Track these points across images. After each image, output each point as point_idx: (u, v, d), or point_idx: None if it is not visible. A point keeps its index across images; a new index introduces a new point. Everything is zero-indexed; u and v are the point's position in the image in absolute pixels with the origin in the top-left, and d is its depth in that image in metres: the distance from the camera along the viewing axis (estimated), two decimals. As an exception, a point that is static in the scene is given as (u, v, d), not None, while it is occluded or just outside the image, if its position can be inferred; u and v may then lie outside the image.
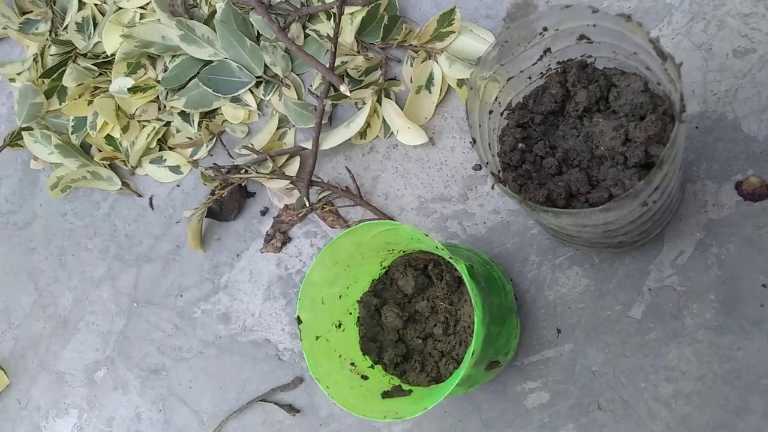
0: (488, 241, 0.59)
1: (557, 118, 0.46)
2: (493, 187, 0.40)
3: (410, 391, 0.48)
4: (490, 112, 0.45)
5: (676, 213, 0.53)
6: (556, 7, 0.39)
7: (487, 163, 0.42)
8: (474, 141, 0.39)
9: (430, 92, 0.63)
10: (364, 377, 0.49)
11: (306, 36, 0.70)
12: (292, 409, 0.66)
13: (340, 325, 0.50)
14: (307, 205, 0.65)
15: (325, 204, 0.67)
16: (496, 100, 0.45)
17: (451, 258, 0.44)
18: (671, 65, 0.36)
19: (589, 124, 0.45)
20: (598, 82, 0.44)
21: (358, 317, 0.51)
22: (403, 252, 0.52)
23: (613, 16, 0.38)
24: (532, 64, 0.45)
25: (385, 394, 0.47)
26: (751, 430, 0.49)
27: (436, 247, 0.45)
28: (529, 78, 0.46)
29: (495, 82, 0.43)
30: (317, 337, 0.47)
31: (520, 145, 0.45)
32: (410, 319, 0.52)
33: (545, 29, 0.41)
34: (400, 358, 0.51)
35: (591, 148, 0.44)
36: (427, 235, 0.44)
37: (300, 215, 0.68)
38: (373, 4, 0.64)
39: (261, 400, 0.68)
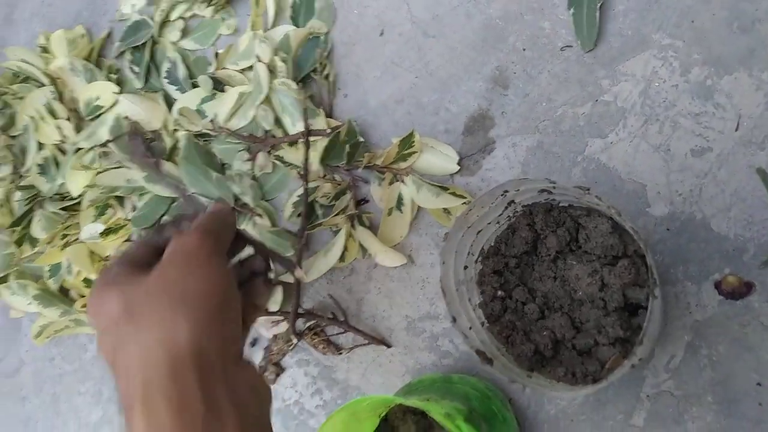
0: (481, 357, 0.59)
1: (531, 258, 0.47)
2: (483, 365, 0.40)
3: None
4: (465, 267, 0.45)
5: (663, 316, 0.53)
6: (515, 180, 0.39)
7: (471, 328, 0.42)
8: (454, 319, 0.39)
9: (401, 212, 0.63)
10: None
11: (274, 165, 0.70)
12: None
13: (347, 485, 0.50)
14: (294, 339, 0.65)
15: (314, 333, 0.66)
16: (468, 253, 0.45)
17: (445, 418, 0.44)
18: (639, 239, 0.36)
19: (563, 266, 0.45)
20: (565, 224, 0.45)
21: (365, 472, 0.51)
22: (399, 403, 0.52)
23: (572, 187, 0.38)
24: (498, 215, 0.45)
25: None
26: None
27: (424, 407, 0.44)
28: (498, 223, 0.47)
29: (465, 240, 0.44)
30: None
31: (499, 293, 0.45)
32: (416, 465, 0.52)
33: (506, 192, 0.42)
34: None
35: (569, 292, 0.44)
36: (421, 399, 0.44)
37: (291, 346, 0.67)
38: (334, 132, 0.64)
39: None
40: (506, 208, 0.45)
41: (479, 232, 0.45)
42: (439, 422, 0.42)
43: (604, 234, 0.43)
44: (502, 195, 0.42)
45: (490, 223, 0.45)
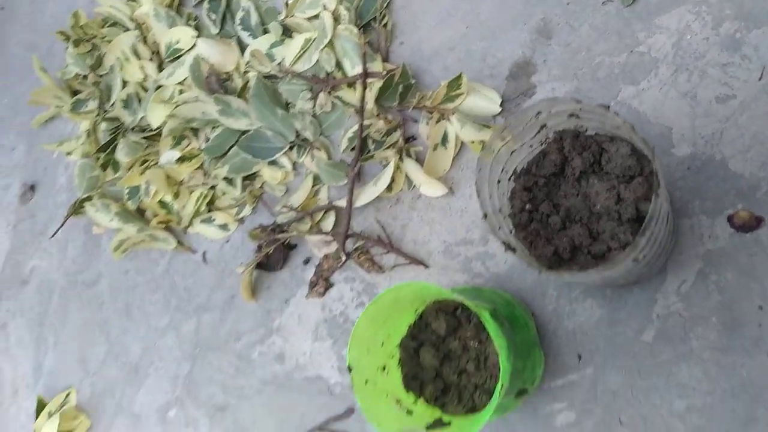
0: (510, 278, 0.66)
1: (558, 179, 0.53)
2: (505, 251, 0.47)
3: (450, 423, 0.55)
4: (498, 181, 0.52)
5: (675, 244, 0.59)
6: (546, 100, 0.46)
7: (500, 227, 0.49)
8: (485, 215, 0.46)
9: (446, 148, 0.70)
10: (409, 412, 0.57)
11: (333, 104, 0.77)
12: (346, 438, 0.73)
13: (384, 368, 0.58)
14: (343, 257, 0.73)
15: (361, 253, 0.74)
16: (503, 169, 0.52)
17: (476, 308, 0.51)
18: (648, 149, 0.42)
19: (586, 185, 0.51)
20: (590, 148, 0.51)
21: (400, 360, 0.59)
22: (434, 300, 0.59)
23: (595, 106, 0.44)
24: (532, 137, 0.52)
25: (429, 426, 0.55)
26: (758, 438, 0.55)
27: (461, 300, 0.52)
28: (531, 147, 0.53)
29: (500, 157, 0.50)
30: (366, 381, 0.55)
31: (527, 206, 0.52)
32: (445, 358, 0.59)
33: (539, 113, 0.48)
34: (439, 392, 0.58)
35: (589, 206, 0.51)
36: (453, 290, 0.51)
37: (339, 264, 0.75)
38: (389, 75, 0.72)
39: (318, 430, 0.75)
40: (538, 132, 0.51)
41: (513, 152, 0.51)
42: (471, 308, 0.49)
43: (624, 156, 0.49)
44: (535, 116, 0.48)
45: (523, 145, 0.52)
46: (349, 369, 0.54)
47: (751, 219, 0.57)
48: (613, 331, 0.61)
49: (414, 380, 0.58)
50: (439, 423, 0.55)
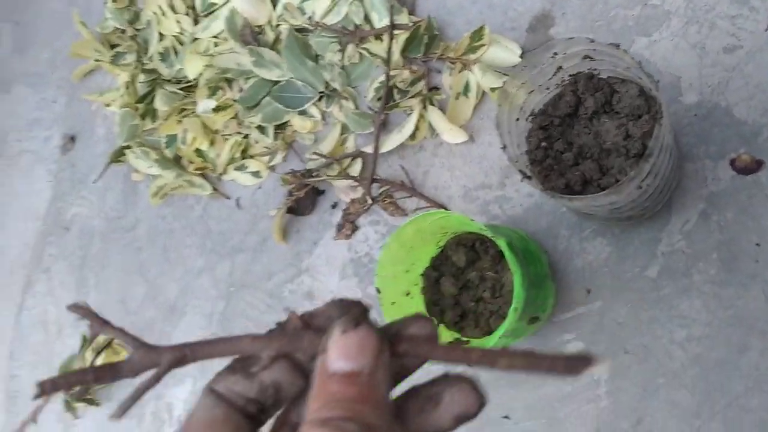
0: (525, 220, 0.71)
1: (572, 119, 0.58)
2: (522, 180, 0.51)
3: (468, 342, 0.61)
4: (517, 119, 0.56)
5: (680, 187, 0.63)
6: (562, 39, 0.50)
7: (517, 161, 0.53)
8: (504, 146, 0.51)
9: (467, 97, 0.75)
10: (430, 336, 0.62)
11: (360, 55, 0.82)
12: (369, 368, 0.79)
13: (408, 293, 0.63)
14: (369, 201, 0.78)
15: (385, 197, 0.79)
16: (521, 109, 0.56)
17: (493, 236, 0.56)
18: (652, 83, 0.47)
19: (597, 123, 0.56)
20: (603, 90, 0.55)
21: (422, 287, 0.64)
22: (455, 233, 0.64)
23: (606, 44, 0.49)
24: (548, 79, 0.56)
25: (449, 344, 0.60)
26: (751, 365, 0.60)
27: (481, 229, 0.57)
28: (547, 89, 0.57)
29: (519, 97, 0.55)
30: (393, 303, 0.60)
31: (542, 143, 0.56)
32: (464, 287, 0.64)
33: (555, 54, 0.52)
34: (458, 317, 0.63)
35: (600, 143, 0.55)
36: (473, 220, 0.56)
37: (365, 207, 0.80)
38: (415, 26, 0.76)
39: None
40: (555, 74, 0.55)
41: (531, 92, 0.56)
42: (489, 237, 0.54)
43: (633, 96, 0.53)
44: (551, 56, 0.53)
45: (540, 86, 0.56)
46: (377, 290, 0.59)
47: (752, 162, 0.61)
48: (620, 268, 0.66)
49: (435, 306, 0.64)
50: (457, 342, 0.61)
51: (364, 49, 0.81)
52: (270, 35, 0.88)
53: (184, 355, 0.23)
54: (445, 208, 0.76)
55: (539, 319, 0.63)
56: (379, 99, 0.79)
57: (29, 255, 1.19)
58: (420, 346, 0.22)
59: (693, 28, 0.65)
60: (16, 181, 1.22)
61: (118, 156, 1.01)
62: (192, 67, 0.91)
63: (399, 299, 0.61)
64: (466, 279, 0.64)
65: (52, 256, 1.15)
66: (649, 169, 0.46)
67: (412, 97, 0.77)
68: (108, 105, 1.04)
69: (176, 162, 0.95)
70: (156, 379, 0.22)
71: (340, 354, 0.20)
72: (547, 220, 0.70)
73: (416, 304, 0.62)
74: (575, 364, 0.20)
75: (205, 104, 0.89)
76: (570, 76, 0.56)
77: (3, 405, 1.18)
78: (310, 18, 0.85)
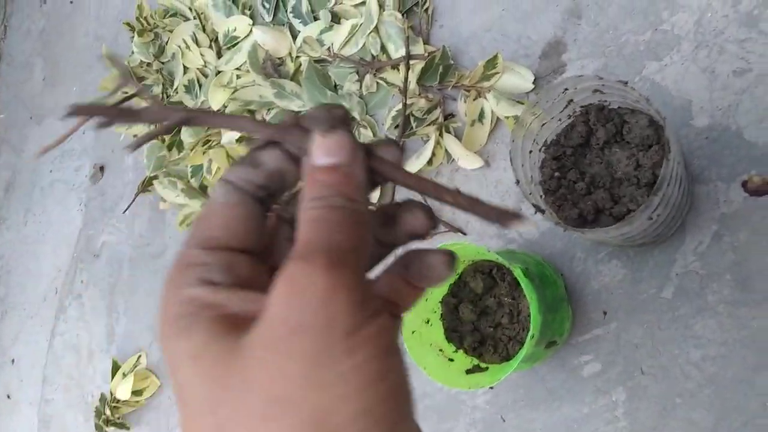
0: (541, 243, 0.73)
1: (584, 149, 0.59)
2: (535, 213, 0.53)
3: (487, 368, 0.62)
4: (530, 151, 0.58)
5: (693, 209, 0.64)
6: (572, 77, 0.52)
7: (530, 193, 0.55)
8: (518, 181, 0.53)
9: (482, 124, 0.77)
10: (451, 360, 0.64)
11: (377, 85, 0.84)
12: (392, 389, 0.81)
13: (428, 321, 0.65)
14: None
15: (404, 222, 0.81)
16: (534, 141, 0.58)
17: (509, 265, 0.58)
18: (660, 119, 0.48)
19: (609, 153, 0.57)
20: (613, 120, 0.57)
21: (441, 314, 0.66)
22: (472, 261, 0.66)
23: (614, 81, 0.50)
24: (560, 112, 0.58)
25: (468, 372, 0.62)
26: (766, 384, 0.61)
27: (497, 258, 0.58)
28: (559, 120, 0.59)
29: (532, 129, 0.57)
30: (413, 332, 0.62)
31: (556, 173, 0.58)
32: (482, 313, 0.66)
33: (566, 89, 0.54)
34: (476, 343, 0.65)
35: (611, 173, 0.57)
36: (489, 250, 0.58)
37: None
38: (430, 56, 0.78)
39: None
40: (566, 106, 0.57)
41: (544, 124, 0.58)
42: (505, 266, 0.56)
43: (642, 127, 0.55)
44: (562, 92, 0.54)
45: (552, 119, 0.58)
46: (398, 319, 0.62)
47: (764, 184, 0.62)
48: (635, 289, 0.67)
49: (454, 333, 0.66)
50: (477, 369, 0.62)
51: (382, 78, 0.84)
52: (290, 66, 0.92)
53: (189, 117, 0.26)
54: (463, 232, 0.78)
55: (557, 343, 0.64)
56: (396, 126, 0.82)
57: (61, 281, 1.23)
58: (386, 165, 0.26)
59: (703, 52, 0.66)
60: (49, 210, 1.27)
61: (146, 186, 1.04)
62: (216, 98, 0.94)
63: (419, 328, 0.63)
64: (485, 305, 0.65)
65: (84, 283, 1.19)
66: (659, 201, 0.48)
67: (428, 124, 0.79)
68: (135, 136, 1.08)
69: (202, 191, 0.98)
70: (166, 129, 0.26)
71: (322, 152, 0.24)
72: (563, 242, 0.71)
73: (436, 332, 0.64)
74: (505, 216, 0.26)
75: (229, 135, 0.92)
76: (581, 107, 0.58)
77: (37, 429, 1.22)
78: (328, 49, 0.88)
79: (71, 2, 1.30)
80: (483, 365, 0.63)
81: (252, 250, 0.24)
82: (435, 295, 0.66)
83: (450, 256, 0.26)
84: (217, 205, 0.24)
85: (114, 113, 0.26)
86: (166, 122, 0.25)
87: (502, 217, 0.26)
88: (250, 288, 0.23)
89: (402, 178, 0.26)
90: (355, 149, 0.24)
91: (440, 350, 0.64)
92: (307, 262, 0.21)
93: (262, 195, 0.25)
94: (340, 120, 0.25)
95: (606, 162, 0.57)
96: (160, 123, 0.26)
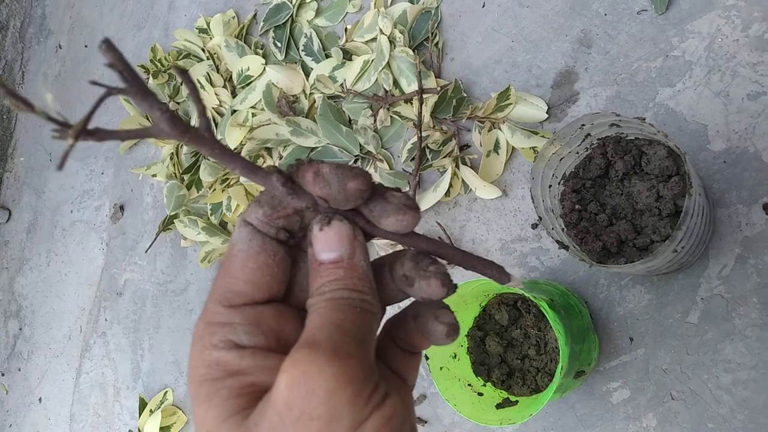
0: (563, 270, 0.73)
1: (603, 180, 0.60)
2: (559, 249, 0.54)
3: (517, 402, 0.62)
4: (550, 186, 0.59)
5: (715, 233, 0.64)
6: (588, 114, 0.53)
7: (552, 228, 0.56)
8: (540, 218, 0.54)
9: (498, 154, 0.77)
10: (480, 394, 0.64)
11: (391, 119, 0.86)
12: (420, 420, 0.81)
13: (455, 356, 0.65)
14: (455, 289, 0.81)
15: (425, 253, 0.82)
16: (553, 175, 0.59)
17: (534, 298, 0.58)
18: (680, 153, 0.49)
19: (629, 185, 0.58)
20: (631, 152, 0.57)
21: (468, 348, 0.66)
22: (496, 293, 0.66)
23: (632, 118, 0.51)
24: (578, 145, 0.58)
25: (498, 406, 0.62)
26: (802, 405, 0.61)
27: (522, 292, 0.59)
28: (577, 153, 0.60)
29: (551, 165, 0.57)
30: (441, 368, 0.63)
31: (576, 206, 0.59)
32: (509, 345, 0.66)
33: (583, 125, 0.55)
34: (504, 376, 0.65)
35: (632, 204, 0.57)
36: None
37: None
38: (443, 90, 0.79)
39: (394, 416, 0.84)
40: (584, 140, 0.58)
41: (562, 159, 0.58)
42: (531, 299, 0.56)
43: (661, 158, 0.55)
44: (579, 128, 0.55)
45: (570, 152, 0.58)
46: (426, 357, 0.62)
47: (786, 206, 0.62)
48: (661, 315, 0.67)
49: (482, 366, 0.66)
50: (507, 402, 0.62)
51: (395, 112, 0.85)
52: (305, 103, 0.93)
53: (213, 144, 0.24)
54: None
55: (585, 372, 0.64)
56: (412, 159, 0.83)
57: (86, 320, 1.24)
58: (382, 231, 0.25)
59: (715, 76, 0.67)
60: (71, 250, 1.29)
61: (167, 225, 1.06)
62: (232, 137, 0.96)
63: (446, 363, 0.64)
64: (511, 337, 0.66)
65: (108, 321, 1.21)
66: (683, 235, 0.48)
67: (444, 156, 0.80)
68: (154, 176, 1.10)
69: (222, 228, 1.00)
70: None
71: (323, 247, 0.24)
72: (585, 270, 0.72)
73: (463, 366, 0.65)
74: (497, 273, 0.26)
75: (246, 173, 0.93)
76: (598, 140, 0.58)
77: (68, 467, 1.23)
78: (341, 85, 0.89)
79: (86, 46, 1.33)
80: (513, 398, 0.63)
81: (277, 295, 0.25)
82: (461, 330, 0.66)
83: (451, 327, 0.26)
84: (239, 254, 0.24)
85: (123, 134, 0.23)
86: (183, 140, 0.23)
87: (492, 274, 0.26)
88: (278, 343, 0.24)
89: (401, 240, 0.26)
90: (354, 239, 0.24)
91: (469, 384, 0.65)
92: (313, 350, 0.21)
93: (284, 237, 0.25)
94: (335, 211, 0.24)
95: (626, 193, 0.57)
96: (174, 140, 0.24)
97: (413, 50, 0.83)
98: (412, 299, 0.27)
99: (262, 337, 0.24)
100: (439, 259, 0.26)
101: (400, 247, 0.85)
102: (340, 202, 0.24)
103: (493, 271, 0.26)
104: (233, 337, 0.23)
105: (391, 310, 0.27)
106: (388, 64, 0.85)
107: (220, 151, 0.24)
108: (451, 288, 0.26)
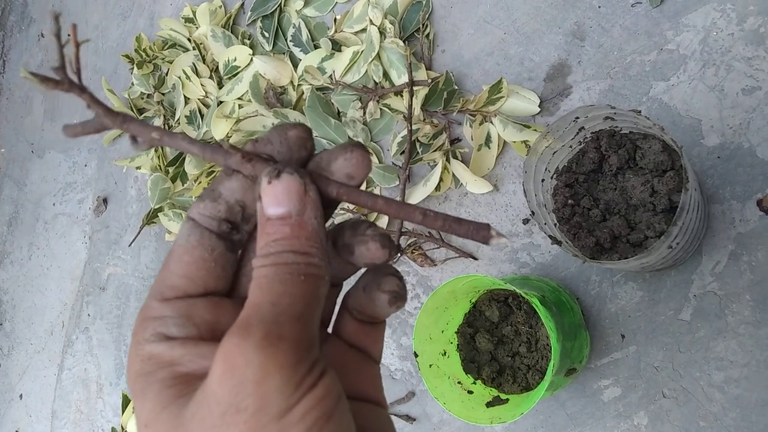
0: (554, 266, 0.72)
1: (597, 175, 0.59)
2: (552, 244, 0.53)
3: (507, 400, 0.61)
4: (542, 180, 0.57)
5: (709, 229, 0.64)
6: (582, 107, 0.51)
7: (545, 223, 0.55)
8: (533, 213, 0.52)
9: (489, 148, 0.76)
10: (470, 392, 0.63)
11: (381, 111, 0.84)
12: (409, 418, 0.80)
13: (445, 353, 0.64)
14: (399, 252, 0.80)
15: (414, 248, 0.81)
16: (546, 169, 0.58)
17: (526, 294, 0.57)
18: (677, 148, 0.48)
19: (622, 179, 0.57)
20: (625, 146, 0.56)
21: (458, 345, 0.65)
22: (487, 290, 0.65)
23: (627, 111, 0.50)
24: (571, 139, 0.57)
25: (489, 404, 0.61)
26: (794, 404, 0.60)
27: (514, 288, 0.58)
28: (570, 147, 0.58)
29: (543, 159, 0.56)
30: (430, 365, 0.61)
31: (569, 201, 0.58)
32: (499, 342, 0.65)
33: (577, 118, 0.54)
34: (495, 373, 0.64)
35: (626, 199, 0.56)
36: (504, 282, 0.57)
37: (394, 260, 0.82)
38: (434, 82, 0.78)
39: (382, 413, 0.82)
40: (577, 134, 0.57)
41: (555, 153, 0.57)
42: (522, 296, 0.55)
43: (656, 152, 0.54)
44: (573, 121, 0.54)
45: (563, 146, 0.57)
46: (416, 355, 0.61)
47: (780, 202, 0.61)
48: (653, 312, 0.66)
49: (472, 363, 0.65)
50: (497, 400, 0.61)
51: (385, 105, 0.83)
52: (292, 95, 0.91)
53: (160, 139, 0.23)
54: (474, 257, 0.77)
55: (576, 370, 0.63)
56: (402, 153, 0.81)
57: (68, 315, 1.22)
58: (344, 189, 0.24)
59: (710, 70, 0.66)
60: (53, 243, 1.26)
61: (151, 218, 1.04)
62: (218, 129, 0.94)
63: (436, 360, 0.62)
64: (501, 334, 0.65)
65: (90, 316, 1.18)
66: (678, 231, 0.47)
67: (434, 150, 0.79)
68: (138, 168, 1.08)
69: (207, 221, 0.98)
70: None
71: (271, 201, 0.23)
72: (577, 265, 0.71)
73: (453, 363, 0.63)
74: (481, 232, 0.24)
75: (232, 165, 0.92)
76: (592, 133, 0.57)
77: (50, 464, 1.21)
78: (330, 77, 0.87)
79: (69, 35, 1.30)
80: (503, 396, 0.62)
81: (214, 290, 0.24)
82: (451, 326, 0.65)
83: (395, 294, 0.25)
84: (178, 249, 0.24)
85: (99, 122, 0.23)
86: (141, 139, 0.23)
87: (476, 233, 0.24)
88: (212, 334, 0.23)
89: (364, 202, 0.24)
90: (304, 194, 0.23)
91: (458, 382, 0.63)
92: (242, 338, 0.20)
93: (227, 229, 0.24)
94: (286, 165, 0.23)
95: (620, 188, 0.56)
96: (138, 137, 0.23)
97: (404, 41, 0.82)
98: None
99: (194, 329, 0.23)
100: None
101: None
102: (285, 154, 0.23)
103: (476, 231, 0.24)
104: (163, 329, 0.23)
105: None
106: (378, 56, 0.83)
107: (189, 142, 0.23)
108: (393, 249, 0.25)
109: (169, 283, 0.24)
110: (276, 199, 0.23)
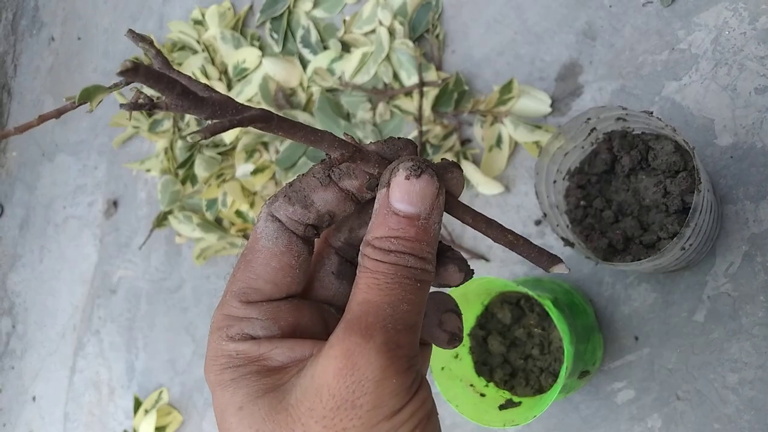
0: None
1: (609, 176, 0.58)
2: (564, 246, 0.52)
3: (520, 403, 0.61)
4: (554, 181, 0.57)
5: (722, 230, 0.63)
6: (594, 108, 0.51)
7: (558, 225, 0.54)
8: (545, 214, 0.52)
9: (500, 149, 0.76)
10: (482, 395, 0.63)
11: (391, 113, 0.84)
12: (420, 420, 0.80)
13: (457, 356, 0.64)
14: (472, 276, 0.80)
15: (425, 250, 0.80)
16: (557, 170, 0.57)
17: (538, 296, 0.57)
18: (689, 149, 0.47)
19: (635, 180, 0.56)
20: (638, 147, 0.56)
21: (470, 347, 0.65)
22: (499, 292, 0.65)
23: (639, 112, 0.49)
24: (583, 140, 0.57)
25: (501, 407, 0.61)
26: (810, 406, 0.59)
27: (526, 291, 0.57)
28: (582, 148, 0.58)
29: (555, 160, 0.56)
30: (442, 368, 0.61)
31: (581, 202, 0.57)
32: (512, 345, 0.65)
33: (589, 119, 0.53)
34: (507, 376, 0.64)
35: (639, 200, 0.56)
36: (517, 284, 0.57)
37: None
38: (444, 83, 0.77)
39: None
40: (589, 134, 0.56)
41: (566, 154, 0.57)
42: (534, 298, 0.55)
43: (668, 153, 0.54)
44: (585, 122, 0.54)
45: (575, 147, 0.57)
46: (427, 356, 0.61)
47: (795, 202, 0.60)
48: (666, 313, 0.66)
49: (484, 366, 0.64)
50: (510, 403, 0.61)
51: (395, 106, 0.83)
52: (302, 97, 0.91)
53: (266, 117, 0.22)
54: (486, 259, 0.77)
55: (589, 372, 0.63)
56: (412, 154, 0.81)
57: (79, 318, 1.23)
58: (454, 205, 0.25)
59: (722, 70, 0.65)
60: (63, 246, 1.27)
61: (161, 221, 1.04)
62: (229, 132, 0.94)
63: (448, 363, 0.62)
64: (514, 336, 0.64)
65: (101, 319, 1.19)
66: (691, 232, 0.47)
67: (445, 151, 0.78)
68: (148, 170, 1.08)
69: (218, 224, 0.98)
70: (238, 123, 0.23)
71: (403, 197, 0.23)
72: (590, 267, 0.70)
73: (465, 366, 0.63)
74: (547, 260, 0.25)
75: (243, 168, 0.92)
76: (604, 134, 0.57)
77: (62, 466, 1.21)
78: (340, 78, 0.87)
79: (79, 39, 1.31)
80: (516, 399, 0.62)
81: (295, 293, 0.25)
82: (464, 328, 0.65)
83: (452, 336, 0.27)
84: (263, 251, 0.24)
85: (177, 88, 0.20)
86: (238, 117, 0.22)
87: (542, 260, 0.26)
88: (293, 332, 0.24)
89: (467, 219, 0.25)
90: (437, 198, 0.23)
91: (471, 385, 0.63)
92: (365, 339, 0.21)
93: (311, 234, 0.24)
94: (427, 165, 0.23)
95: (632, 189, 0.56)
96: (223, 119, 0.22)
97: (413, 42, 0.82)
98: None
99: (279, 330, 0.24)
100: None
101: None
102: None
103: (543, 258, 0.26)
104: (249, 330, 0.24)
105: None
106: (388, 57, 0.83)
107: (298, 126, 0.22)
108: (469, 273, 0.26)
109: (254, 286, 0.24)
110: (409, 196, 0.23)
